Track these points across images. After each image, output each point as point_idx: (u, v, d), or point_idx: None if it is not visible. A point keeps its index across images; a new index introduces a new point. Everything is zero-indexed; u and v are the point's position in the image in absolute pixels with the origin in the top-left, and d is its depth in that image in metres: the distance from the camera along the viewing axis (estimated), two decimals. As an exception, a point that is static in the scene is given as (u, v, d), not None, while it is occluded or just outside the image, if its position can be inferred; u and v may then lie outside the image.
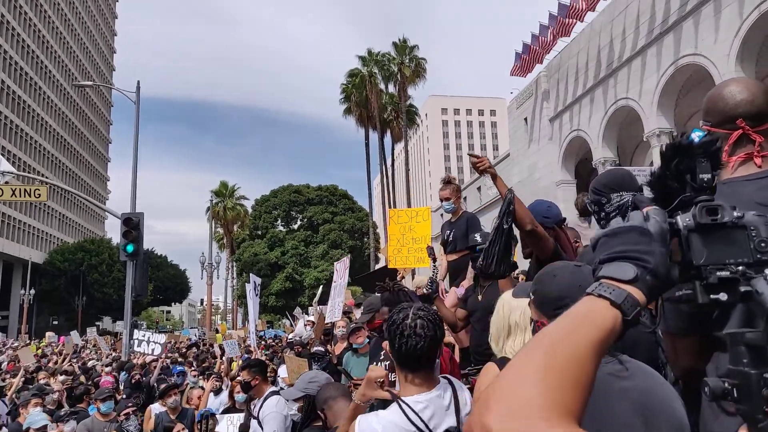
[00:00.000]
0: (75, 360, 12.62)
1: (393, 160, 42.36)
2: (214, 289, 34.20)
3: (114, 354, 13.45)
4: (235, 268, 47.39)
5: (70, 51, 62.30)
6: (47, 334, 21.87)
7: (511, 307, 1.94)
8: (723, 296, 0.76)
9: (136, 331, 10.86)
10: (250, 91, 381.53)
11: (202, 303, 49.28)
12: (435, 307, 3.55)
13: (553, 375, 0.60)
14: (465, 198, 35.60)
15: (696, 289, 0.78)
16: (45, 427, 4.25)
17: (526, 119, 25.25)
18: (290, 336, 12.54)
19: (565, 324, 0.68)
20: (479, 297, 3.49)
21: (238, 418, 4.87)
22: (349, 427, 1.79)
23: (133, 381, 7.52)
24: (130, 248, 11.20)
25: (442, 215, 4.07)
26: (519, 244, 2.94)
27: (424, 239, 5.03)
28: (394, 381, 3.13)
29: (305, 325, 10.92)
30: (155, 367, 8.54)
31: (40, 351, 15.88)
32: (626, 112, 18.55)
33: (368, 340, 4.27)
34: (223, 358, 9.00)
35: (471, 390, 2.83)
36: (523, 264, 4.21)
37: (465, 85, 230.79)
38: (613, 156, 19.62)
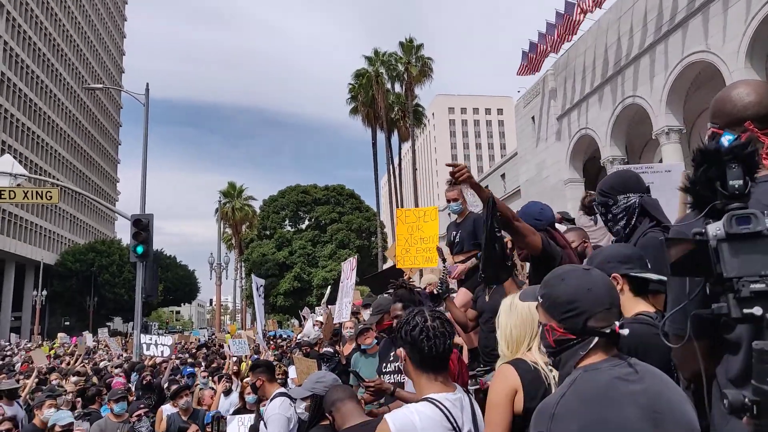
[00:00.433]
0: (87, 361, 12.76)
1: (400, 159, 42.34)
2: (223, 289, 34.40)
3: (125, 355, 13.58)
4: (243, 269, 47.63)
5: (80, 54, 62.92)
6: (59, 335, 22.14)
7: (533, 311, 1.96)
8: (758, 310, 0.71)
9: (142, 335, 10.96)
10: (257, 92, 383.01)
11: (211, 303, 49.57)
12: (445, 307, 3.57)
13: None
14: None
15: (729, 303, 0.74)
16: (71, 424, 4.32)
17: (533, 118, 25.13)
18: (299, 336, 12.60)
19: None
20: (487, 298, 3.50)
21: (248, 419, 4.91)
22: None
23: (144, 382, 7.60)
24: (140, 249, 11.31)
25: (449, 215, 4.08)
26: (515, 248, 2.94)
27: (431, 239, 5.03)
28: (403, 383, 3.15)
29: (314, 325, 10.97)
30: (165, 368, 8.62)
31: (53, 352, 16.07)
32: (634, 110, 18.40)
33: (376, 341, 4.29)
34: (232, 358, 9.06)
35: (479, 391, 2.85)
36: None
37: (472, 84, 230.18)
38: (621, 154, 19.47)
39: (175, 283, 56.24)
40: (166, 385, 6.82)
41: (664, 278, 1.57)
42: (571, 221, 5.16)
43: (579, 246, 3.49)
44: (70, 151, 59.46)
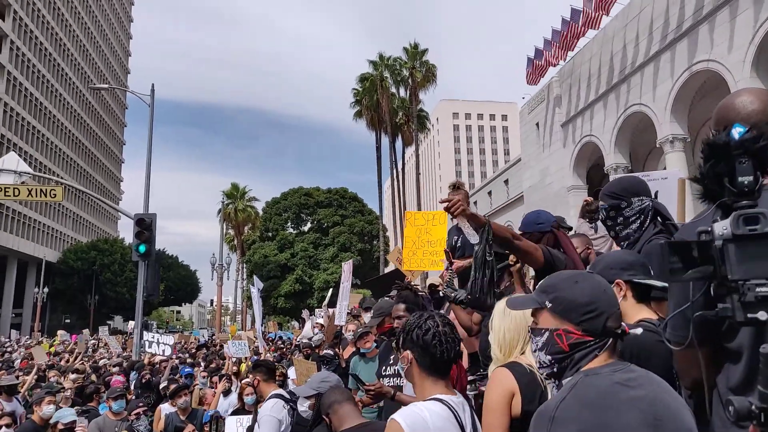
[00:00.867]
0: (87, 359, 12.77)
1: (404, 163, 42.38)
2: (224, 290, 34.42)
3: (125, 353, 13.59)
4: (245, 270, 47.66)
5: (86, 54, 63.30)
6: (59, 332, 22.14)
7: (526, 313, 1.95)
8: (762, 315, 0.68)
9: (145, 332, 11.01)
10: (262, 94, 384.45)
11: (212, 304, 49.61)
12: (448, 310, 3.56)
13: None
14: (475, 203, 35.47)
15: (733, 306, 0.71)
16: (74, 422, 4.31)
17: (537, 124, 25.13)
18: (298, 338, 12.58)
19: None
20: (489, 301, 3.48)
21: (247, 419, 4.89)
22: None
23: (143, 381, 7.59)
24: (142, 248, 11.33)
25: (451, 219, 4.07)
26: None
27: (439, 242, 5.02)
28: (402, 386, 3.14)
29: (313, 327, 10.95)
30: (165, 368, 8.61)
31: (52, 349, 16.09)
32: (639, 118, 18.39)
33: (375, 345, 4.28)
34: (232, 359, 9.05)
35: (478, 396, 2.83)
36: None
37: (476, 90, 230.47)
38: (625, 162, 19.45)
39: (176, 283, 56.30)
40: (164, 385, 6.80)
41: (667, 285, 1.56)
42: (569, 229, 5.13)
43: (582, 252, 3.48)
44: (74, 150, 59.73)
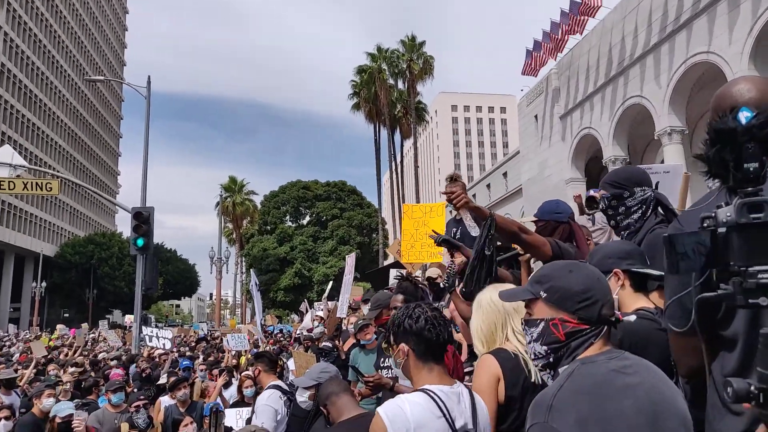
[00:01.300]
0: (87, 353, 12.79)
1: (402, 156, 42.30)
2: (223, 283, 34.47)
3: (124, 347, 13.62)
4: (244, 263, 47.71)
5: (81, 46, 62.83)
6: (59, 326, 22.19)
7: (495, 300, 1.99)
8: (764, 300, 0.69)
9: (144, 327, 11.03)
10: (259, 87, 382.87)
11: (211, 297, 49.69)
12: (449, 301, 3.56)
13: None
14: (474, 195, 35.49)
15: (735, 291, 0.72)
16: (71, 415, 4.33)
17: (536, 116, 25.09)
18: (298, 330, 12.61)
19: None
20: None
21: (246, 412, 4.92)
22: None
23: (143, 374, 7.62)
24: (140, 242, 11.31)
25: (450, 212, 4.08)
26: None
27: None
28: (396, 377, 3.15)
29: (313, 319, 10.98)
30: (165, 361, 8.64)
31: (51, 343, 16.11)
32: (637, 110, 18.37)
33: (375, 337, 4.29)
34: (231, 353, 9.08)
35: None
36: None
37: (475, 83, 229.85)
38: (623, 154, 19.46)
39: (175, 277, 56.31)
40: (164, 378, 6.82)
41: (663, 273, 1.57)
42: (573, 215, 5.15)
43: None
44: (70, 143, 59.44)
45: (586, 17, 18.98)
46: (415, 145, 40.55)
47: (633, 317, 1.75)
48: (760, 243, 0.69)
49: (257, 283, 11.02)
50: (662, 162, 17.89)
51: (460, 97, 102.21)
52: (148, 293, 13.35)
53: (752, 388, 0.67)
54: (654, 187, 2.30)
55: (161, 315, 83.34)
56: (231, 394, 6.28)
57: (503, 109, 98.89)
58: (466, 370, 3.08)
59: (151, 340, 9.72)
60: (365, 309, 6.24)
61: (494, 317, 2.05)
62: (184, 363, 8.19)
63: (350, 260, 7.66)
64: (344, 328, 6.66)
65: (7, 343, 18.80)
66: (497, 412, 1.91)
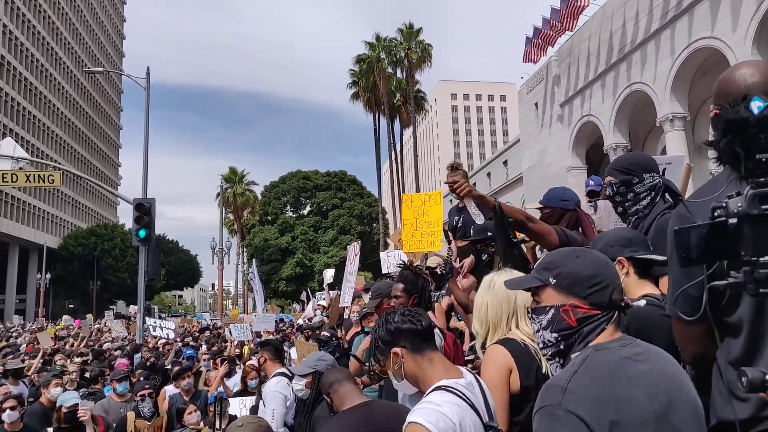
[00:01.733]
0: (92, 343, 12.91)
1: (402, 146, 42.15)
2: (225, 274, 34.60)
3: (129, 337, 13.73)
4: (245, 254, 47.81)
5: (79, 37, 62.39)
6: (64, 317, 22.37)
7: (510, 290, 1.93)
8: None
9: (147, 318, 11.12)
10: (259, 77, 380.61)
11: (213, 288, 49.89)
12: (447, 288, 3.58)
13: None
14: (475, 184, 35.30)
15: (746, 280, 0.72)
16: (76, 405, 4.38)
17: (536, 104, 24.95)
18: (299, 319, 12.69)
19: None
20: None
21: (250, 400, 4.98)
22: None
23: (148, 364, 7.69)
24: (142, 233, 11.35)
25: (451, 201, 4.09)
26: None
27: (436, 222, 5.04)
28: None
29: (314, 309, 11.04)
30: (169, 350, 8.72)
31: (57, 334, 16.25)
32: (638, 96, 18.25)
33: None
34: (233, 343, 9.15)
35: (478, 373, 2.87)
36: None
37: (475, 71, 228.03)
38: (625, 142, 19.36)
39: (177, 268, 56.52)
40: (168, 367, 6.90)
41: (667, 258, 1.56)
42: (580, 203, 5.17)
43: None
44: (71, 135, 59.31)
45: (586, 3, 18.77)
46: (415, 134, 40.40)
47: (643, 302, 1.74)
48: None
49: (255, 273, 11.20)
50: (664, 148, 17.83)
51: (460, 86, 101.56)
52: (150, 284, 13.43)
53: (767, 377, 0.68)
54: (661, 173, 2.29)
55: (164, 305, 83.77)
56: (234, 383, 6.34)
57: (503, 97, 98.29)
58: (466, 358, 3.11)
59: (154, 330, 9.81)
60: (366, 298, 6.28)
61: (505, 306, 2.02)
62: (187, 352, 8.27)
63: (352, 249, 7.68)
64: (346, 317, 6.70)
65: (14, 334, 18.97)
66: (511, 403, 1.88)
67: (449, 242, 4.09)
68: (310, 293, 16.67)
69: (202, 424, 4.81)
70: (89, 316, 22.54)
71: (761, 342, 1.17)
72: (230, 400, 5.12)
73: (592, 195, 4.92)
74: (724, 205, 0.72)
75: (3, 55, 46.20)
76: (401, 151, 40.85)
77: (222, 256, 31.03)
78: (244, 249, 48.15)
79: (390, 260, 8.64)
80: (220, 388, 5.97)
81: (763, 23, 13.40)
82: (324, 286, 11.70)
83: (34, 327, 22.72)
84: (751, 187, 0.70)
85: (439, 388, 1.60)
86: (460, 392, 1.58)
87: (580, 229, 2.77)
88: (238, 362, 7.30)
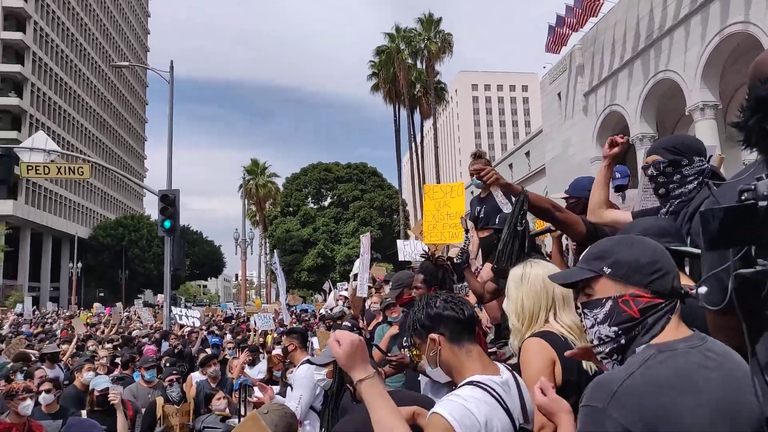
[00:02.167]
0: (122, 330, 13.34)
1: (422, 137, 41.93)
2: (248, 264, 35.19)
3: (156, 324, 14.14)
4: (268, 244, 48.46)
5: (106, 33, 63.68)
6: (95, 305, 23.15)
7: (546, 280, 1.85)
8: None
9: (173, 307, 11.42)
10: (280, 70, 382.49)
11: (236, 278, 50.80)
12: (463, 277, 3.57)
13: None
14: (496, 175, 34.97)
15: None
16: (107, 389, 4.57)
17: (559, 94, 24.49)
18: (321, 309, 12.84)
19: None
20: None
21: (275, 389, 5.09)
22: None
23: (175, 351, 7.92)
24: (167, 224, 11.61)
25: (472, 192, 4.08)
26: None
27: (458, 214, 5.03)
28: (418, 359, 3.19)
29: (336, 299, 11.15)
30: (196, 338, 8.95)
31: (88, 321, 16.83)
32: (667, 85, 17.74)
33: (403, 314, 4.36)
34: (257, 332, 9.34)
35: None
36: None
37: (496, 61, 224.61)
38: (652, 131, 18.87)
39: (201, 258, 57.68)
40: (195, 354, 7.09)
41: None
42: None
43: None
44: (99, 129, 60.80)
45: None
46: (435, 126, 40.11)
47: (704, 288, 1.67)
48: None
49: (277, 264, 11.41)
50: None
51: (481, 76, 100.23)
52: (175, 274, 13.73)
53: None
54: (707, 159, 2.18)
55: (189, 295, 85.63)
56: (258, 371, 6.48)
57: (525, 88, 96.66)
58: (489, 350, 3.11)
59: (181, 319, 10.08)
60: (387, 289, 6.32)
61: (543, 297, 1.96)
62: (213, 341, 8.48)
63: (365, 240, 7.74)
64: (367, 307, 6.76)
65: (49, 320, 19.72)
66: None
67: (466, 231, 4.07)
68: (331, 284, 16.84)
69: (227, 411, 4.94)
70: (119, 305, 23.25)
71: None
72: (255, 387, 5.24)
73: (619, 189, 4.81)
74: (752, 187, 0.69)
75: (35, 52, 47.54)
76: (422, 142, 40.65)
77: (245, 247, 31.53)
78: (267, 240, 48.79)
79: (407, 249, 8.67)
80: (244, 377, 6.11)
81: (801, 7, 12.85)
82: (350, 276, 11.81)
83: (67, 314, 23.54)
84: None
85: (471, 383, 1.52)
86: (494, 390, 1.50)
87: None
88: (261, 351, 7.45)
